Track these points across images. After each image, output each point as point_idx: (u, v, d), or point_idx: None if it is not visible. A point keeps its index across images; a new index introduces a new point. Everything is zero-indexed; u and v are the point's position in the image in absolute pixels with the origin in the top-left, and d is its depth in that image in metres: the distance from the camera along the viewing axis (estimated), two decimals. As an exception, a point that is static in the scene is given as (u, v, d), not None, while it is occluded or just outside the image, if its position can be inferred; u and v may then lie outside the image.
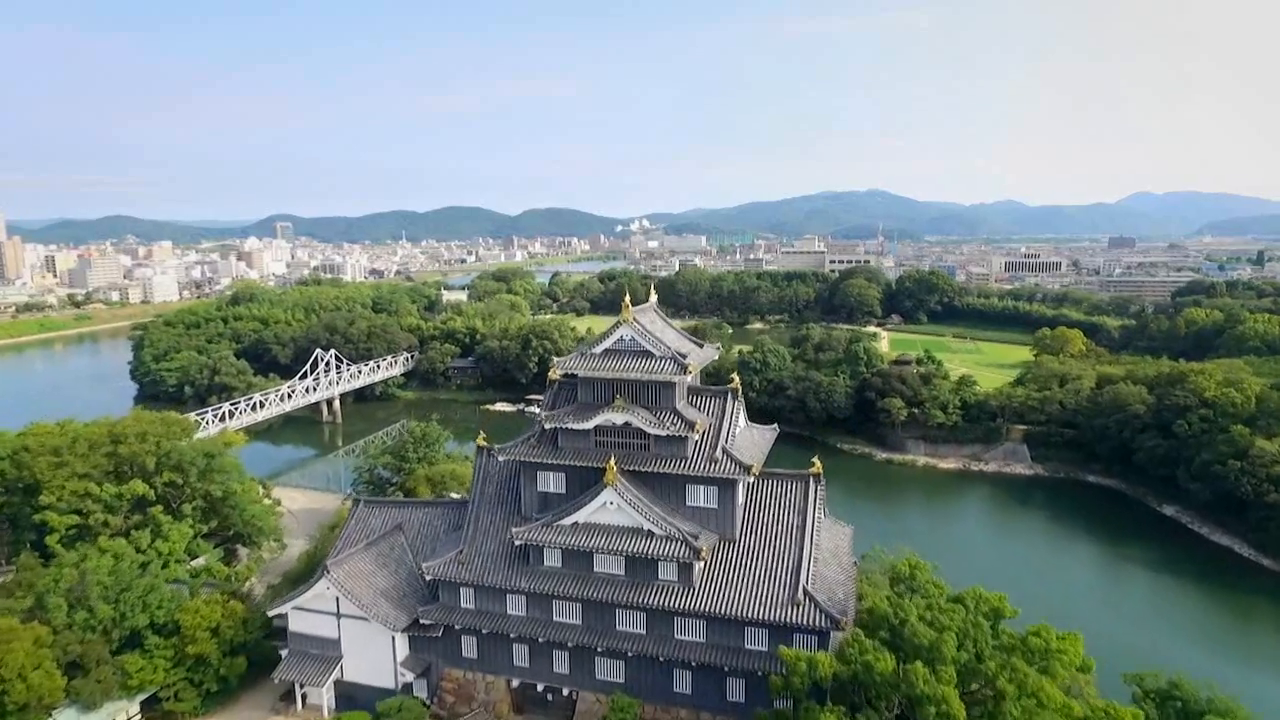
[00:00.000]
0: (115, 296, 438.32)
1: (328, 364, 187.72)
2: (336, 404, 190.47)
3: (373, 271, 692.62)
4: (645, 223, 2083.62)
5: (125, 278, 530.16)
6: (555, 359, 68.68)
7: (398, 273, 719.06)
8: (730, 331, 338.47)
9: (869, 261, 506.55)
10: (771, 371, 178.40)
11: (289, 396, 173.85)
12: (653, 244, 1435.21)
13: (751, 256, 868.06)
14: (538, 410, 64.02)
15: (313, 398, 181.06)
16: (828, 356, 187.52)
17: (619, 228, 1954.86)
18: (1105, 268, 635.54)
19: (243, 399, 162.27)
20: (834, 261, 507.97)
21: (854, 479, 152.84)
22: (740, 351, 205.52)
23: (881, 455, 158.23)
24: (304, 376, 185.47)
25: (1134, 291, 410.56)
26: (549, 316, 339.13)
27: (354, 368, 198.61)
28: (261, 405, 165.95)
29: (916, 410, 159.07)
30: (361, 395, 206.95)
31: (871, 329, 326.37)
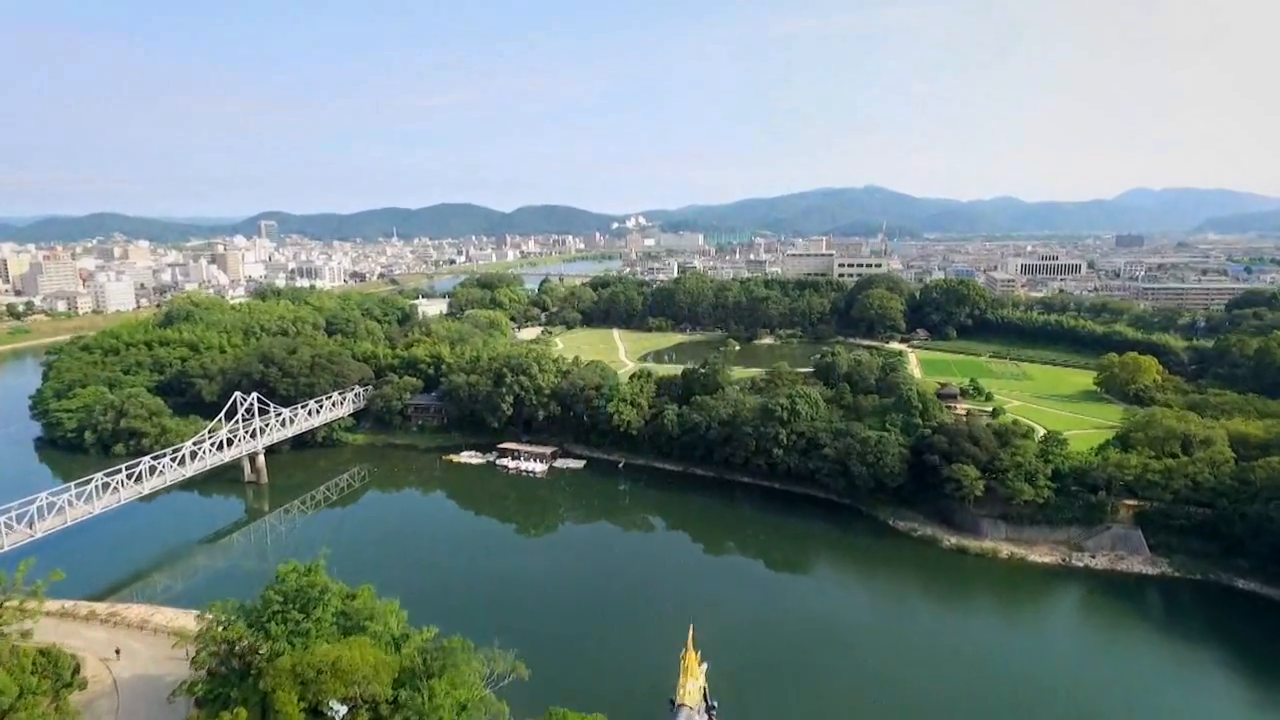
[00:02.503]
0: (62, 306, 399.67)
1: (249, 409, 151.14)
2: (261, 460, 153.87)
3: (354, 275, 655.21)
4: (641, 220, 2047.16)
5: (85, 283, 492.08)
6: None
7: (381, 275, 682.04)
8: (737, 348, 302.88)
9: (879, 266, 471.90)
10: (802, 423, 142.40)
11: (191, 458, 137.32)
12: (649, 242, 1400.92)
13: (753, 257, 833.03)
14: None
15: (226, 455, 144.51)
16: (870, 402, 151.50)
17: (615, 225, 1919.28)
18: (1126, 269, 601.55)
19: (124, 466, 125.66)
20: (843, 266, 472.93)
21: (916, 579, 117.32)
22: (756, 379, 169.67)
23: (950, 540, 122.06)
24: (225, 421, 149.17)
25: (1174, 300, 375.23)
26: (531, 337, 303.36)
27: (286, 412, 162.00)
28: (152, 472, 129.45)
29: (993, 479, 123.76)
30: (302, 440, 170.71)
31: (896, 346, 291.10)
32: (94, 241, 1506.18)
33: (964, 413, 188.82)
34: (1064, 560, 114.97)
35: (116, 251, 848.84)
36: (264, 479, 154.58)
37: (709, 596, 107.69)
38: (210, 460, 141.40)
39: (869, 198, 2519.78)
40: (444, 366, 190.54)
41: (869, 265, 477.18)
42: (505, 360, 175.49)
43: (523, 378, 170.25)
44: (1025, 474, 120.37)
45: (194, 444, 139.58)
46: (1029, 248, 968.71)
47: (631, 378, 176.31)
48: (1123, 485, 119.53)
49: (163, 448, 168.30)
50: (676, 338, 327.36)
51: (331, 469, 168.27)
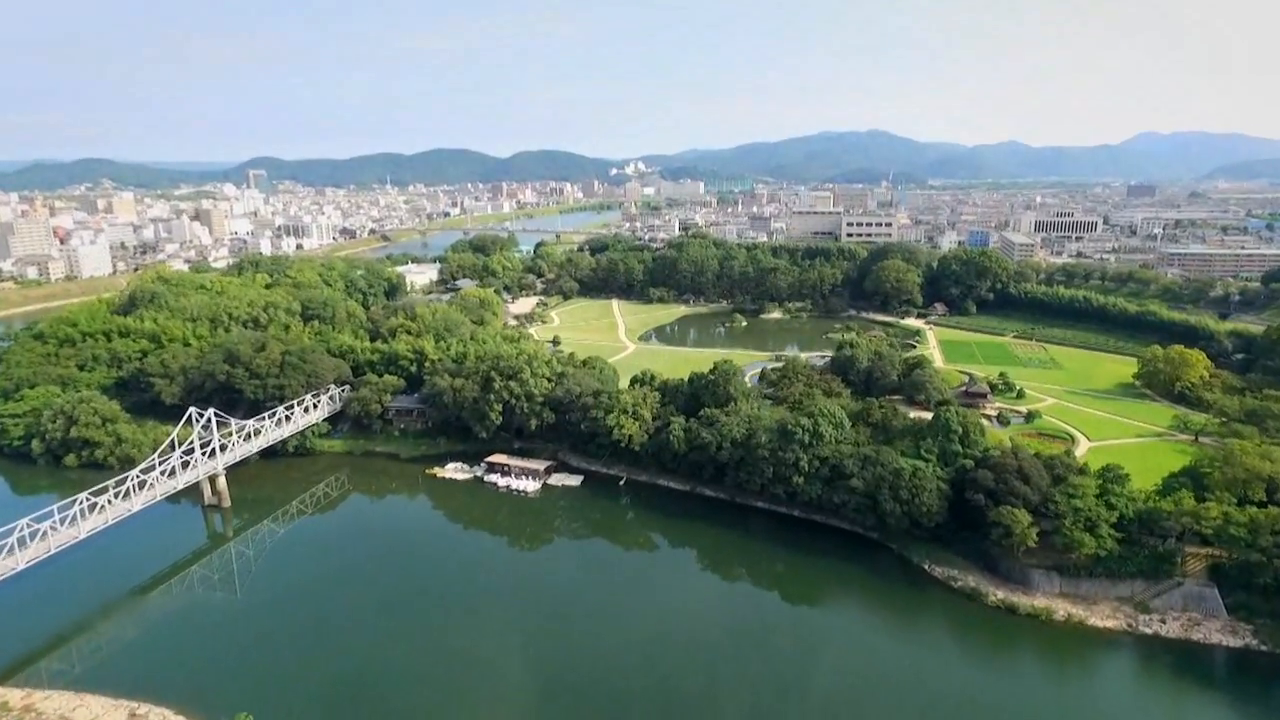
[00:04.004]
0: (33, 273, 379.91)
1: (207, 424, 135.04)
2: (222, 481, 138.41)
3: (344, 231, 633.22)
4: (640, 165, 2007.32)
5: (62, 243, 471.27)
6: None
7: (372, 231, 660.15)
8: (744, 324, 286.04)
9: (888, 225, 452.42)
10: (825, 446, 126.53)
11: (139, 487, 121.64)
12: (648, 190, 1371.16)
13: (755, 210, 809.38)
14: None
15: (181, 481, 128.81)
16: (901, 419, 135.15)
17: (613, 171, 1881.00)
18: (1142, 225, 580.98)
19: (56, 508, 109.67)
20: (852, 226, 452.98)
21: (955, 641, 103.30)
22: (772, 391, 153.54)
23: (996, 594, 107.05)
24: (179, 441, 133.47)
25: (1201, 267, 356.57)
26: (526, 310, 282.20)
27: (250, 424, 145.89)
28: (92, 509, 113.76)
29: (1044, 519, 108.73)
30: (271, 448, 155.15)
31: (913, 322, 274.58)
32: (82, 188, 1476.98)
33: (995, 413, 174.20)
34: (1129, 625, 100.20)
35: (100, 204, 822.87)
36: (226, 501, 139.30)
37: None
38: (162, 489, 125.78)
39: (872, 142, 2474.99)
40: (427, 362, 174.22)
41: (878, 225, 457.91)
42: (494, 362, 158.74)
43: (512, 383, 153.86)
44: (1085, 521, 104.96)
45: (142, 471, 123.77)
46: (1039, 198, 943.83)
47: (633, 382, 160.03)
48: (1193, 530, 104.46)
49: (118, 459, 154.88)
50: (679, 310, 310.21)
51: (304, 482, 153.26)
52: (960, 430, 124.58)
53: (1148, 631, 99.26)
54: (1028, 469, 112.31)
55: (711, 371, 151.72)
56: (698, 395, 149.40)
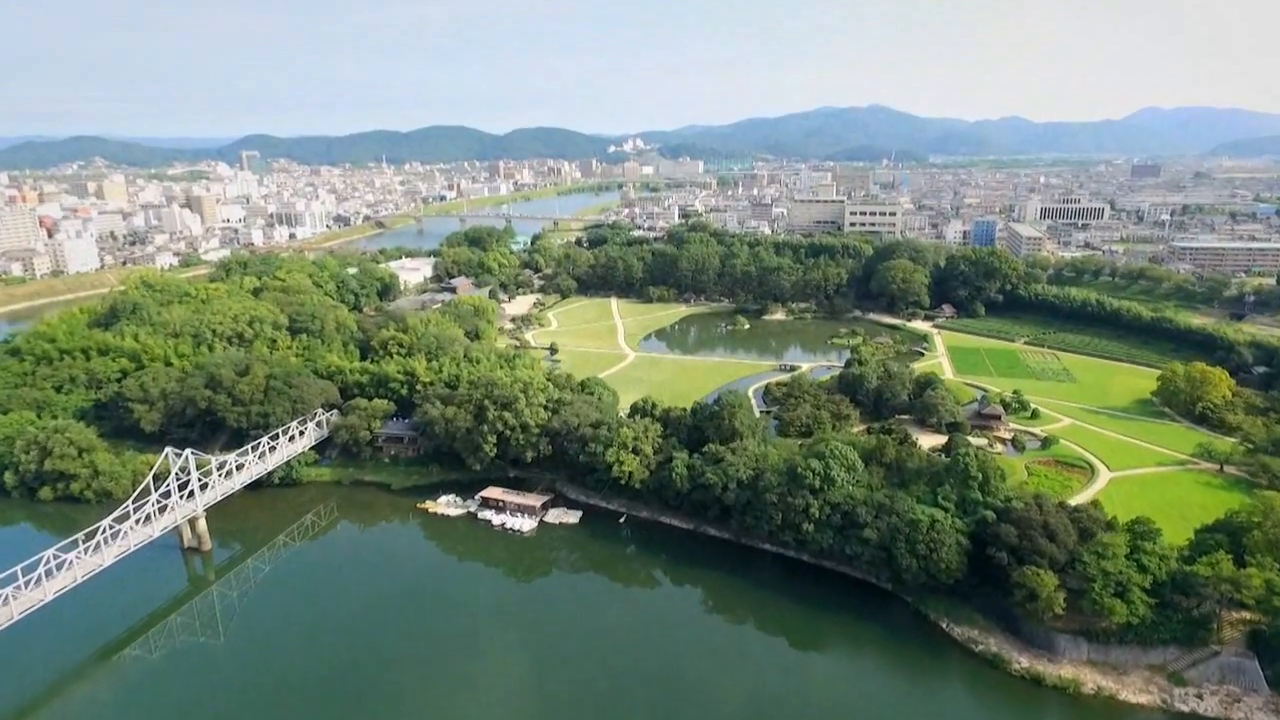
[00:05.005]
0: (18, 269, 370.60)
1: (184, 467, 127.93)
2: (202, 524, 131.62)
3: (338, 218, 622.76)
4: (639, 142, 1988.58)
5: (49, 234, 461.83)
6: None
7: (367, 218, 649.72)
8: (747, 326, 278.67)
9: (893, 215, 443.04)
10: (837, 491, 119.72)
11: (111, 537, 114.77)
12: (647, 170, 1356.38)
13: (755, 193, 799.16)
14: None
15: (156, 529, 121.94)
16: (917, 459, 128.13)
17: (611, 148, 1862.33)
18: (1149, 211, 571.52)
19: (20, 568, 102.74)
20: (855, 215, 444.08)
21: (975, 710, 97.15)
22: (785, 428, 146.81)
23: (1019, 661, 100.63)
24: (155, 485, 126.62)
25: (1213, 261, 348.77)
26: (523, 311, 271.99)
27: (231, 459, 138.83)
28: (60, 567, 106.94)
29: (1070, 577, 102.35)
30: (256, 480, 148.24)
31: (920, 326, 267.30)
32: (74, 166, 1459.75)
33: (1009, 436, 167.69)
34: (1164, 700, 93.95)
35: (91, 187, 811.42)
36: (206, 544, 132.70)
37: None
38: (137, 538, 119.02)
39: (873, 118, 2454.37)
40: (418, 384, 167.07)
41: (881, 214, 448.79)
42: (487, 390, 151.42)
43: (507, 414, 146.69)
44: (1116, 587, 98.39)
45: (115, 520, 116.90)
46: (1042, 179, 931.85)
47: (633, 411, 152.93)
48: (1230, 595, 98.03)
49: (95, 493, 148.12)
50: (680, 310, 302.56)
51: (290, 514, 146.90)
52: (980, 476, 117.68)
53: (1184, 709, 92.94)
54: (1053, 525, 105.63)
55: (716, 403, 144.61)
56: (701, 427, 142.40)
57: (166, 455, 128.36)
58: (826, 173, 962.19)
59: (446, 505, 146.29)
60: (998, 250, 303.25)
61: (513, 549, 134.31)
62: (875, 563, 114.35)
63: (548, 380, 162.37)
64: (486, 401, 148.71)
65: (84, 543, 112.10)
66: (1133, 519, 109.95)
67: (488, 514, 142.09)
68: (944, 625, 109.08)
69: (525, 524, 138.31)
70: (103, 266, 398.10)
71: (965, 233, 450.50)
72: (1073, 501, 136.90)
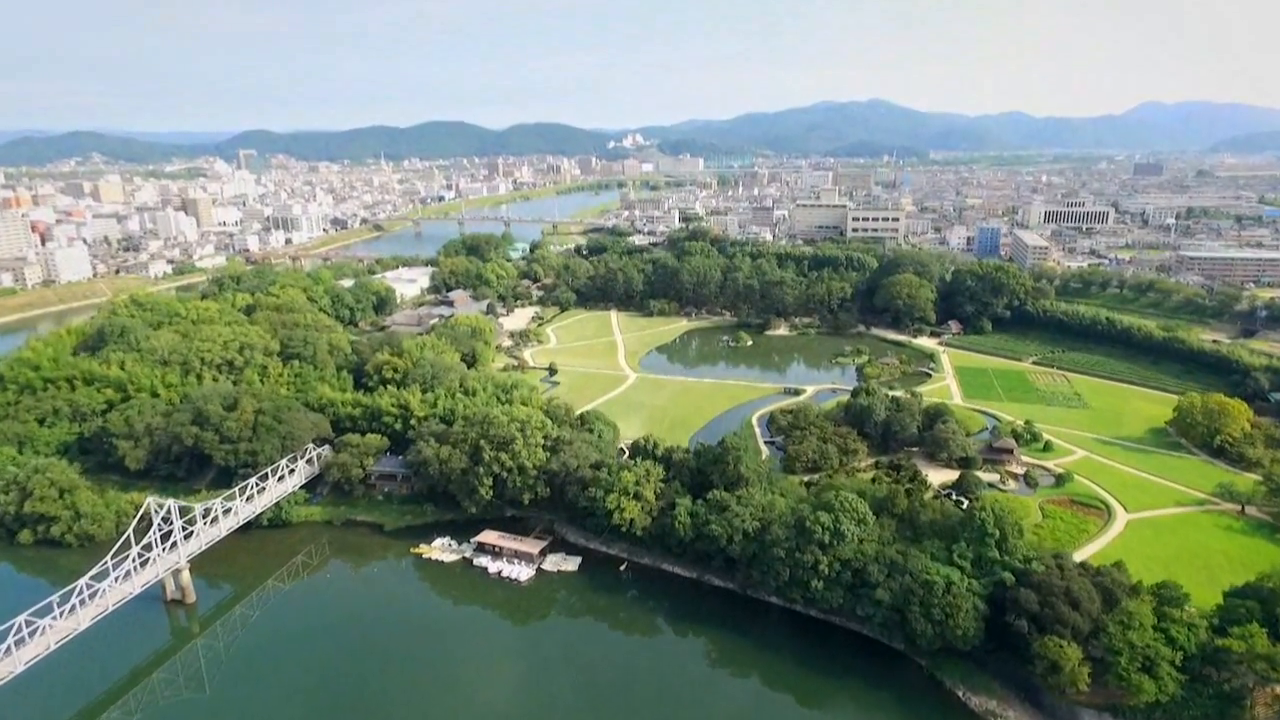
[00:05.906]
0: (8, 280, 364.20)
1: (166, 517, 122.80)
2: (185, 575, 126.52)
3: (335, 221, 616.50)
4: (638, 138, 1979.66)
5: (42, 239, 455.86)
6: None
7: (364, 221, 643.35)
8: (749, 342, 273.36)
9: (895, 220, 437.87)
10: (847, 547, 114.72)
11: (89, 597, 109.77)
12: (647, 167, 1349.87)
13: (756, 193, 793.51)
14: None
15: (137, 585, 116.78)
16: (928, 515, 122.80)
17: (611, 144, 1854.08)
18: (1154, 215, 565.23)
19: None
20: (857, 221, 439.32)
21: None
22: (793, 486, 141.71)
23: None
24: (136, 539, 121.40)
25: (1223, 272, 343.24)
26: (521, 326, 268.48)
27: (217, 505, 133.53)
28: (32, 634, 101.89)
29: (1094, 647, 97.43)
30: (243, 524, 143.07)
31: (927, 343, 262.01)
32: (71, 163, 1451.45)
33: (1022, 472, 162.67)
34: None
35: (87, 187, 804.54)
36: (190, 596, 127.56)
37: None
38: (116, 597, 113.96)
39: (874, 113, 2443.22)
40: (414, 422, 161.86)
41: (884, 219, 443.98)
42: (483, 428, 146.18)
43: (504, 454, 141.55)
44: (1143, 661, 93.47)
45: (92, 578, 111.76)
46: (1044, 178, 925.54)
47: (634, 453, 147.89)
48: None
49: (76, 536, 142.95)
50: (681, 324, 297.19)
51: (279, 558, 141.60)
52: (996, 533, 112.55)
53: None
54: (1076, 591, 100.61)
55: (720, 444, 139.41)
56: (705, 471, 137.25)
57: (148, 505, 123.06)
58: (828, 172, 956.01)
59: (441, 550, 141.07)
60: (1005, 265, 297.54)
61: (509, 600, 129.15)
62: (888, 624, 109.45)
63: (546, 415, 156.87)
64: (483, 441, 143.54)
65: (59, 606, 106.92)
66: (1158, 584, 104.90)
67: (484, 560, 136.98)
68: (960, 693, 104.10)
69: (522, 572, 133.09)
70: (95, 275, 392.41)
71: (969, 239, 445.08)
72: (1091, 546, 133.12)
